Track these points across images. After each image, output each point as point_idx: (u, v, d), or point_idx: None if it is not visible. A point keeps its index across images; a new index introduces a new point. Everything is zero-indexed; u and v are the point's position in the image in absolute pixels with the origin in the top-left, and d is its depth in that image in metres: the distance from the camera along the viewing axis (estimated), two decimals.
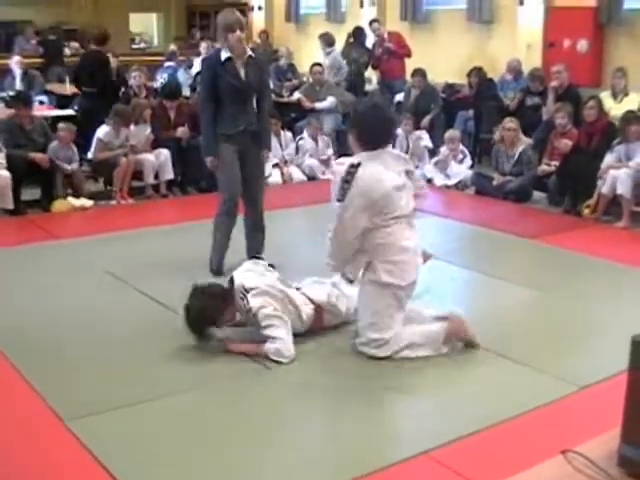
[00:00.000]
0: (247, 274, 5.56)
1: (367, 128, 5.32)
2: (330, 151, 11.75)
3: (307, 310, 5.60)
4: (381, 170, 5.20)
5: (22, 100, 9.77)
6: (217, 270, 7.05)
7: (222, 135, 6.90)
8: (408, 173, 5.40)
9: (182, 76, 15.06)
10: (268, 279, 5.55)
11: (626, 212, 8.87)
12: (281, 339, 5.26)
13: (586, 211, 9.19)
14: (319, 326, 5.71)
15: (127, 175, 9.94)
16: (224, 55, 6.84)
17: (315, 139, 11.69)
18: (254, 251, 7.11)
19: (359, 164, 5.15)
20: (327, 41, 14.34)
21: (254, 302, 5.28)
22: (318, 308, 5.66)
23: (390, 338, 5.27)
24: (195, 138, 10.14)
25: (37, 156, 9.36)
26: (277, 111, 12.21)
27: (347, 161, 5.25)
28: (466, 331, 5.49)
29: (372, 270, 5.30)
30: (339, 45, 14.95)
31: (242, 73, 6.86)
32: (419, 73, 12.77)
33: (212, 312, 5.39)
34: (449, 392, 4.95)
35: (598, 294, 6.73)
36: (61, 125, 9.94)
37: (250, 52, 7.03)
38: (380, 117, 5.35)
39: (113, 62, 11.44)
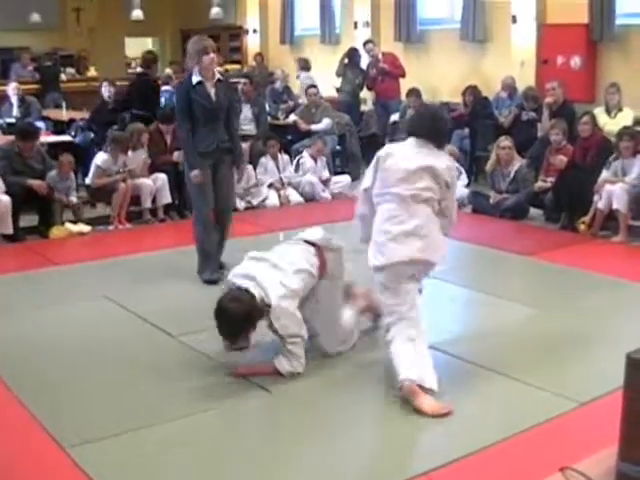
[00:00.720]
0: (257, 281, 5.35)
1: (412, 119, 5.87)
2: (327, 172, 11.77)
3: (312, 260, 5.58)
4: (398, 147, 5.45)
5: (25, 134, 9.70)
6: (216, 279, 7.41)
7: (197, 152, 7.39)
8: (436, 176, 5.25)
9: None
10: (275, 277, 5.39)
11: (623, 227, 8.89)
12: (299, 357, 5.32)
13: (582, 227, 9.22)
14: (324, 272, 5.63)
15: (125, 200, 9.96)
16: (195, 79, 7.38)
17: (315, 159, 11.71)
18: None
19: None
20: (301, 65, 15.36)
21: (278, 322, 5.25)
22: (318, 249, 5.66)
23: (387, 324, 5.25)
24: None
25: (35, 183, 9.38)
26: (274, 133, 12.27)
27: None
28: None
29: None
30: (334, 66, 15.04)
31: (212, 94, 7.43)
32: (414, 93, 12.85)
33: (257, 315, 5.22)
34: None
35: (596, 310, 6.73)
36: (62, 157, 9.92)
37: (219, 75, 7.61)
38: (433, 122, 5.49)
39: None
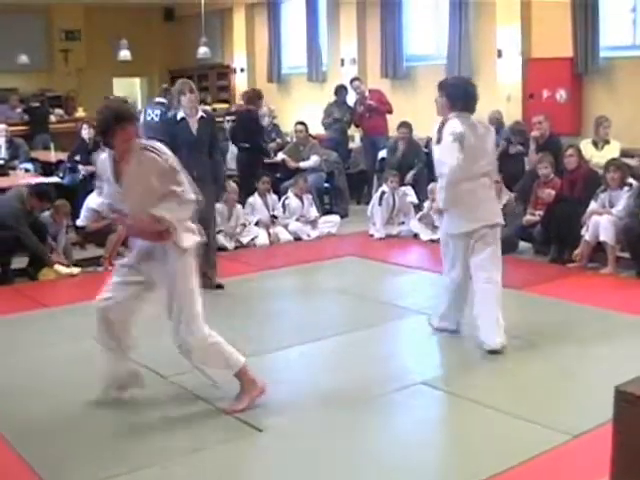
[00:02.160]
0: None
1: (454, 95, 6.65)
2: (314, 211, 11.78)
3: None
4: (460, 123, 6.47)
5: (43, 195, 9.66)
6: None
7: None
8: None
9: None
10: None
11: (611, 258, 8.92)
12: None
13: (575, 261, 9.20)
14: None
15: (119, 242, 9.92)
16: (179, 115, 8.45)
17: (300, 198, 11.73)
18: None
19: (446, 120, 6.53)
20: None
21: None
22: None
23: None
24: None
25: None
26: (264, 171, 12.30)
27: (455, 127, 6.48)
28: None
29: None
30: (321, 103, 15.12)
31: (194, 129, 8.37)
32: (405, 125, 12.84)
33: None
34: (440, 446, 4.94)
35: (587, 342, 6.73)
36: (59, 202, 9.90)
37: (202, 113, 8.58)
38: (463, 86, 6.85)
39: None
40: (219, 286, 8.53)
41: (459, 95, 6.69)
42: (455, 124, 6.49)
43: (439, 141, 6.57)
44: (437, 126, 6.69)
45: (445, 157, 6.49)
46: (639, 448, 2.28)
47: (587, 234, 9.00)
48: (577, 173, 9.71)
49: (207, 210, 7.99)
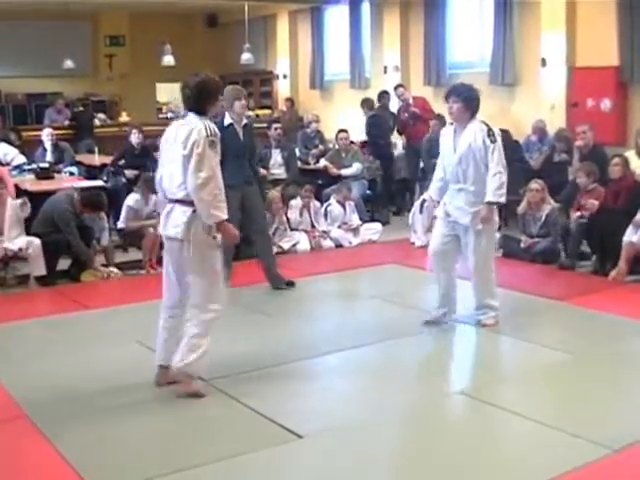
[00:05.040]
0: None
1: (475, 101, 7.13)
2: (356, 218, 11.78)
3: None
4: None
5: (97, 206, 9.79)
6: None
7: (227, 185, 7.34)
8: None
9: None
10: None
11: None
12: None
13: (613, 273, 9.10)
14: None
15: (155, 245, 10.00)
16: (227, 121, 8.57)
17: (343, 205, 11.74)
18: (273, 265, 8.92)
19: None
20: (368, 105, 15.22)
21: None
22: None
23: None
24: None
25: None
26: (305, 177, 12.31)
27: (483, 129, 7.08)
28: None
29: None
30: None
31: (241, 135, 8.60)
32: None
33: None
34: (478, 456, 4.91)
35: (629, 355, 6.68)
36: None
37: (246, 120, 8.90)
38: (475, 92, 7.22)
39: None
40: (291, 283, 8.97)
41: (476, 100, 7.17)
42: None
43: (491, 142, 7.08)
44: (478, 131, 7.08)
45: (502, 159, 7.06)
46: None
47: (635, 236, 8.90)
48: (621, 184, 9.62)
49: (255, 211, 8.74)
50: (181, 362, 5.74)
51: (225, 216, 5.66)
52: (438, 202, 7.47)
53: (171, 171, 5.71)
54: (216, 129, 5.68)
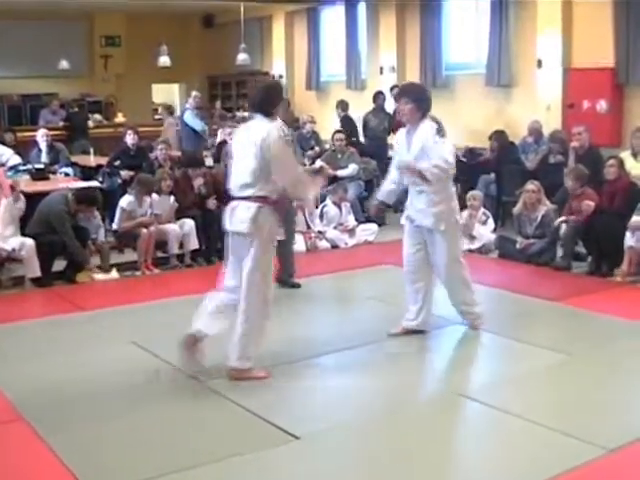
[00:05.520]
0: None
1: (426, 101, 7.06)
2: (352, 219, 11.78)
3: None
4: None
5: (93, 201, 9.80)
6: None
7: None
8: None
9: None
10: None
11: None
12: None
13: (619, 278, 9.11)
14: None
15: (150, 246, 10.00)
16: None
17: (339, 206, 11.74)
18: (288, 272, 9.00)
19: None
20: (342, 107, 15.74)
21: None
22: None
23: None
24: (220, 208, 10.38)
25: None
26: None
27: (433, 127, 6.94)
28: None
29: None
30: (361, 111, 15.15)
31: None
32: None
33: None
34: (473, 457, 4.92)
35: (625, 356, 6.68)
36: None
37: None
38: (428, 93, 7.27)
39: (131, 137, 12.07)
40: (296, 285, 9.07)
41: (427, 100, 7.12)
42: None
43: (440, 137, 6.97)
44: (429, 129, 6.96)
45: (449, 155, 6.89)
46: None
47: (632, 244, 8.91)
48: (617, 185, 9.62)
49: (289, 211, 8.52)
50: (237, 361, 6.10)
51: (314, 189, 6.73)
52: (382, 204, 7.52)
53: (238, 170, 6.10)
54: (285, 129, 6.26)
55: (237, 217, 6.03)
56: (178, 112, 18.54)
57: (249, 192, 5.99)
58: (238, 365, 6.10)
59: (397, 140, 7.33)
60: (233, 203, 6.12)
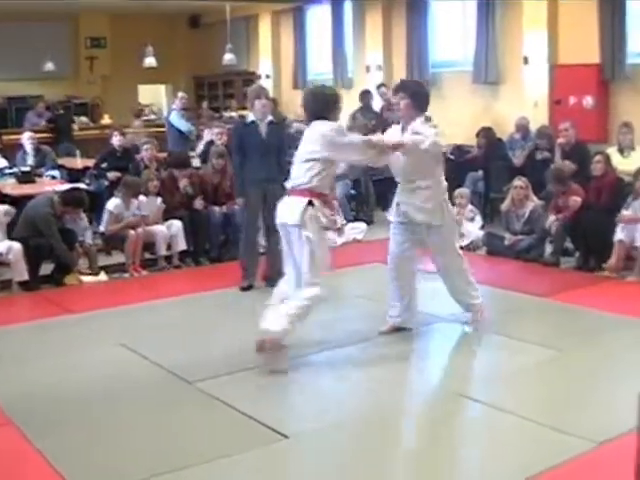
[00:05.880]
0: None
1: (423, 97, 7.02)
2: (340, 218, 11.74)
3: None
4: None
5: (80, 203, 9.74)
6: (248, 285, 8.91)
7: (249, 180, 8.70)
8: None
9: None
10: None
11: (639, 265, 8.84)
12: None
13: (607, 273, 9.13)
14: None
15: (137, 248, 9.96)
16: (249, 118, 8.89)
17: None
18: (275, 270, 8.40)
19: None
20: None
21: None
22: None
23: None
24: (207, 208, 10.39)
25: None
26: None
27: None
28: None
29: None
30: (347, 109, 15.09)
31: (263, 133, 8.71)
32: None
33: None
34: (463, 453, 4.92)
35: (613, 350, 6.71)
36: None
37: (271, 117, 8.92)
38: (426, 90, 7.26)
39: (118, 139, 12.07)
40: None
41: (425, 96, 7.12)
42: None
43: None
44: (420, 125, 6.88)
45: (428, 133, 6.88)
46: None
47: (623, 237, 8.93)
48: (604, 181, 9.64)
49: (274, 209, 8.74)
50: (273, 328, 6.27)
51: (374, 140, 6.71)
52: None
53: (296, 167, 6.52)
54: (342, 124, 6.41)
55: (288, 209, 6.40)
56: (164, 113, 18.50)
57: (303, 187, 6.38)
58: (278, 330, 6.25)
59: (392, 138, 7.09)
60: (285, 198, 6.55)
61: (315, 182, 6.32)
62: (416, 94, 6.98)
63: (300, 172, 6.41)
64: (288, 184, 6.56)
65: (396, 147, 6.71)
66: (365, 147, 6.53)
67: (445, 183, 7.09)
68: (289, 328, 6.24)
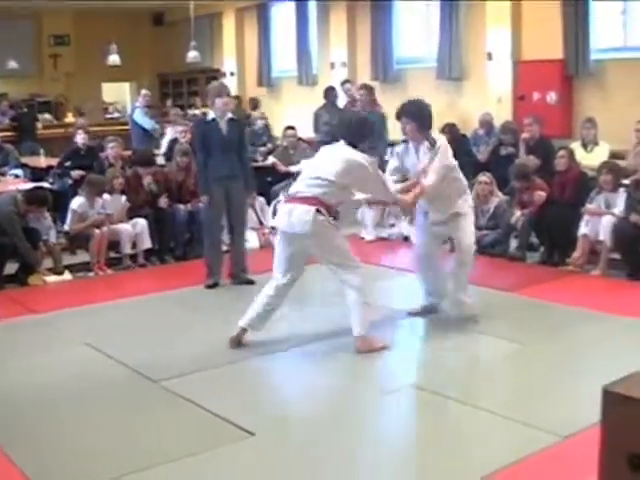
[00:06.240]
0: None
1: (427, 118, 7.02)
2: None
3: None
4: None
5: (43, 201, 9.64)
6: (214, 283, 8.85)
7: (212, 178, 8.67)
8: None
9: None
10: None
11: (603, 259, 8.91)
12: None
13: (571, 267, 9.19)
14: None
15: (102, 246, 9.90)
16: (210, 116, 8.89)
17: None
18: (240, 267, 9.03)
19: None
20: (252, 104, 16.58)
21: None
22: None
23: None
24: (171, 207, 10.35)
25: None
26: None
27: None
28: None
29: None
30: (312, 107, 15.10)
31: (224, 130, 8.69)
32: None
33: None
34: (428, 447, 4.93)
35: (577, 344, 6.77)
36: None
37: (231, 115, 8.93)
38: (428, 109, 7.11)
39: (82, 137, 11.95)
40: (250, 281, 8.95)
41: (428, 118, 7.10)
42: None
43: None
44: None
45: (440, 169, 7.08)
46: (626, 449, 2.27)
47: (587, 232, 9.00)
48: (568, 175, 9.70)
49: (238, 205, 8.93)
50: (358, 331, 6.54)
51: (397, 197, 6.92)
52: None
53: (308, 175, 6.58)
54: (369, 157, 6.48)
55: (296, 218, 6.40)
56: (129, 111, 18.43)
57: (311, 194, 6.43)
58: (362, 331, 6.54)
59: (406, 158, 7.21)
60: (289, 205, 6.57)
61: (323, 196, 6.40)
62: (419, 116, 7.00)
63: (309, 185, 6.49)
64: (291, 191, 6.68)
65: (419, 197, 6.97)
66: (389, 191, 6.73)
67: (465, 182, 7.46)
68: (367, 319, 6.57)
